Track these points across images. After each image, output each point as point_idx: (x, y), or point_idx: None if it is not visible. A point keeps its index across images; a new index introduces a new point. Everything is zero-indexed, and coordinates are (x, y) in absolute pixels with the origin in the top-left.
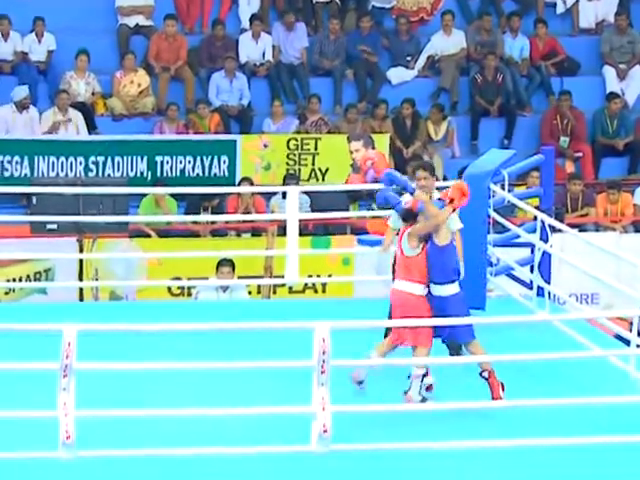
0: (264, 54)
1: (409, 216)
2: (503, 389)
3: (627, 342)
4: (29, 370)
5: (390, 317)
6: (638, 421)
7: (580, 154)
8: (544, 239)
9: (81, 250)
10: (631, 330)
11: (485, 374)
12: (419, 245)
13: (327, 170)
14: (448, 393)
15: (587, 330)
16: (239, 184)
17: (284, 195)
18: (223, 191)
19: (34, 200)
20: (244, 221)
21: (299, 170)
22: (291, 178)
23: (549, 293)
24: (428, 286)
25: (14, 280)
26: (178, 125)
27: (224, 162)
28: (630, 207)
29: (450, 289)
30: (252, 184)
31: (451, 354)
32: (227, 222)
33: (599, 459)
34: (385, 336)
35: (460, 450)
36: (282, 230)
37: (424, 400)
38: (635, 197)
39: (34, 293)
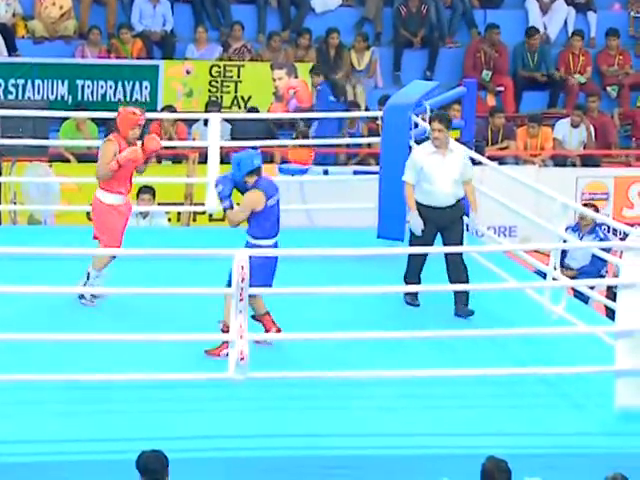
0: None
1: None
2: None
3: (544, 275)
4: None
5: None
6: (551, 353)
7: (502, 88)
8: None
9: (0, 173)
10: (548, 263)
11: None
12: None
13: (249, 98)
14: (367, 323)
15: (505, 262)
16: (162, 112)
17: (206, 122)
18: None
19: None
20: (165, 147)
21: (221, 97)
22: (213, 105)
23: (467, 225)
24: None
25: None
26: (100, 49)
27: (146, 88)
28: (550, 141)
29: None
30: (175, 112)
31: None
32: None
33: (514, 390)
34: None
35: (374, 379)
36: (203, 157)
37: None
38: (555, 131)
39: None
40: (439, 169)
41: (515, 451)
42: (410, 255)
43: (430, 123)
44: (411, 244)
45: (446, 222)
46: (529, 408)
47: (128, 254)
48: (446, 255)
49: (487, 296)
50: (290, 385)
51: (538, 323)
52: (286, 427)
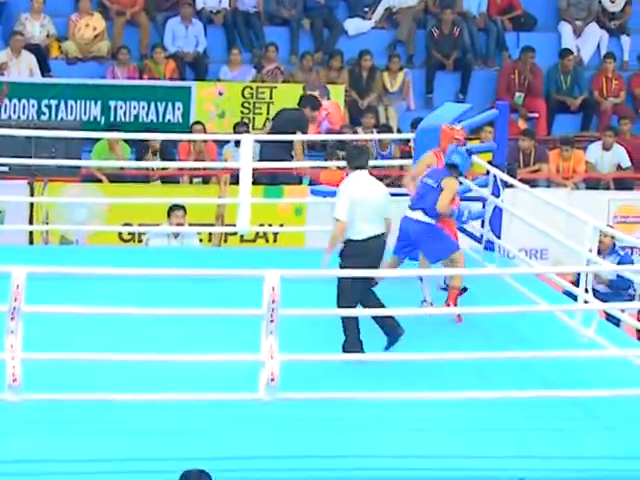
0: (220, 1)
1: None
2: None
3: (575, 298)
4: None
5: None
6: (582, 376)
7: (536, 115)
8: (496, 194)
9: (32, 193)
10: (578, 286)
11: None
12: None
13: None
14: (399, 345)
15: (536, 285)
16: (191, 127)
17: (237, 143)
18: (177, 138)
19: None
20: (196, 168)
21: (253, 119)
22: (242, 126)
23: (499, 247)
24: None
25: None
26: (129, 69)
27: (178, 109)
28: (582, 164)
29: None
30: (204, 127)
31: None
32: (180, 169)
33: (544, 413)
34: None
35: (403, 400)
36: (234, 178)
37: None
38: (587, 154)
39: None
40: None
41: (546, 474)
42: None
43: None
44: None
45: None
46: (560, 431)
47: (159, 274)
48: None
49: (518, 319)
50: (320, 406)
51: (569, 346)
52: (316, 448)
